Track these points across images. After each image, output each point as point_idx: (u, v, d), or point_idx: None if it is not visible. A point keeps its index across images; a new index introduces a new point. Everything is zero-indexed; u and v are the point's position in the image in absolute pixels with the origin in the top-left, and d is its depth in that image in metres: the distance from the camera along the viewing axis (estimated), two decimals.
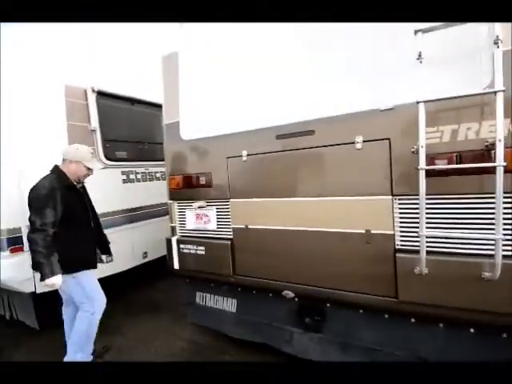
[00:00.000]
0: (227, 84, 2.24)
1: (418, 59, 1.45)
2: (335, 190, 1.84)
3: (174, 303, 3.39)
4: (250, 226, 2.20)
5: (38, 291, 2.77)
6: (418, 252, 1.57)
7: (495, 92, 1.29)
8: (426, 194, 1.50)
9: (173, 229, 2.64)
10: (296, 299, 2.13)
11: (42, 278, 2.02)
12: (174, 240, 2.58)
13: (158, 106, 2.79)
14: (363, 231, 1.77)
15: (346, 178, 1.81)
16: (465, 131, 1.45)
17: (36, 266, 2.05)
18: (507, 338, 1.53)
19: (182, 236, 2.57)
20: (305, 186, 1.95)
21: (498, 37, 1.31)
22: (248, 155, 2.14)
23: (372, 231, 1.74)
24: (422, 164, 1.45)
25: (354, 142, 1.74)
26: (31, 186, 2.15)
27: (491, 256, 1.39)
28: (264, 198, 2.12)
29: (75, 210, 2.26)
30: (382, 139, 1.67)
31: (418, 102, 1.44)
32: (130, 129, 3.96)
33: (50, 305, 2.87)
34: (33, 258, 2.05)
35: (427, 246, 1.53)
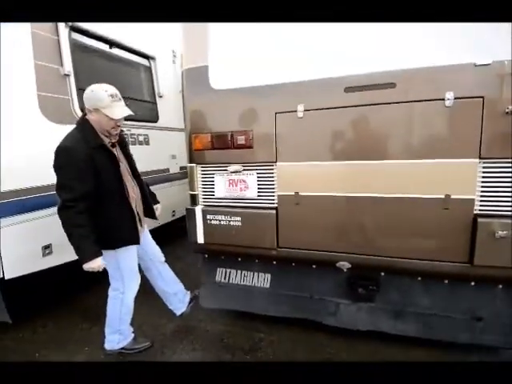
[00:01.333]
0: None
1: None
2: (415, 151, 1.69)
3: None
4: (301, 193, 1.95)
5: (6, 277, 2.17)
6: (500, 217, 1.56)
7: None
8: None
9: (194, 197, 2.24)
10: (345, 270, 2.01)
11: (80, 262, 1.70)
12: (197, 210, 2.19)
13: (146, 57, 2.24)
14: (442, 196, 1.68)
15: (429, 139, 1.67)
16: None
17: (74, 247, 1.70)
18: None
19: (209, 206, 2.20)
20: (378, 148, 1.76)
21: None
22: (305, 110, 1.85)
23: (452, 196, 1.66)
24: None
25: (443, 99, 1.59)
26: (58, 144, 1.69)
27: None
28: (323, 162, 1.87)
29: (109, 177, 1.78)
30: (476, 97, 1.55)
31: None
32: (111, 78, 3.22)
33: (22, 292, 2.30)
34: (68, 238, 1.68)
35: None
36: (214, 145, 2.08)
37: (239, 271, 2.37)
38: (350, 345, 2.11)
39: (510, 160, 1.53)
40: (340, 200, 1.87)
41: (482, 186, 1.62)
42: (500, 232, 1.56)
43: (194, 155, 2.18)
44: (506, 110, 1.50)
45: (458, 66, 1.56)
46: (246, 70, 1.96)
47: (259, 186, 2.05)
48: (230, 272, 2.40)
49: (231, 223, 2.12)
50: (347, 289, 2.08)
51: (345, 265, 1.94)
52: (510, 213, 1.57)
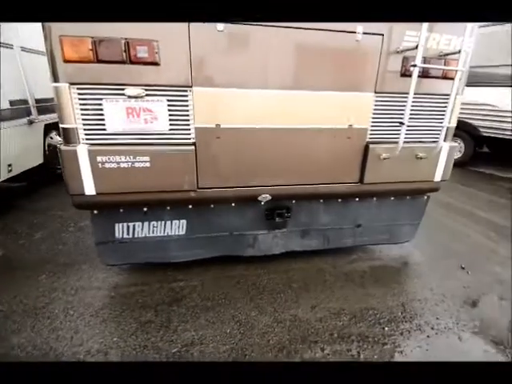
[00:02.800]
0: None
1: None
2: (328, 83, 1.78)
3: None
4: (223, 126, 1.74)
5: None
6: (385, 142, 1.96)
7: None
8: (399, 93, 1.82)
9: (69, 132, 1.61)
10: (262, 203, 2.07)
11: None
12: (80, 151, 1.61)
13: None
14: (346, 126, 1.90)
15: (340, 71, 1.78)
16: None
17: None
18: (411, 199, 2.33)
19: (100, 144, 1.64)
20: (299, 77, 1.74)
21: None
22: (228, 24, 1.55)
23: (354, 126, 1.91)
24: (418, 62, 1.69)
25: (355, 32, 1.69)
26: None
27: (431, 142, 1.99)
28: (246, 89, 1.70)
29: None
30: (378, 34, 1.73)
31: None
32: None
33: None
34: None
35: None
36: (99, 56, 1.48)
37: (146, 223, 2.01)
38: (267, 268, 2.31)
39: (395, 95, 1.87)
40: (262, 132, 1.80)
41: (373, 118, 1.94)
42: (384, 155, 1.97)
43: (62, 69, 1.49)
44: (397, 50, 1.77)
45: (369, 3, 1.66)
46: None
47: (171, 117, 1.68)
48: (133, 225, 2.01)
49: (136, 165, 1.69)
50: (264, 220, 2.17)
51: (266, 197, 1.98)
52: (390, 139, 1.98)
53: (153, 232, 2.05)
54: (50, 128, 4.02)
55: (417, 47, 1.68)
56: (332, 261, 2.45)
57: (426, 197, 2.38)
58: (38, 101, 3.67)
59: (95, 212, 1.92)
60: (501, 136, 4.97)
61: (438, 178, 2.17)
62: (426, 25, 1.64)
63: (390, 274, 2.32)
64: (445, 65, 1.82)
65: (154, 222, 2.03)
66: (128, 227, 2.01)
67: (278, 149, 1.87)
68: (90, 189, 1.69)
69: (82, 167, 1.64)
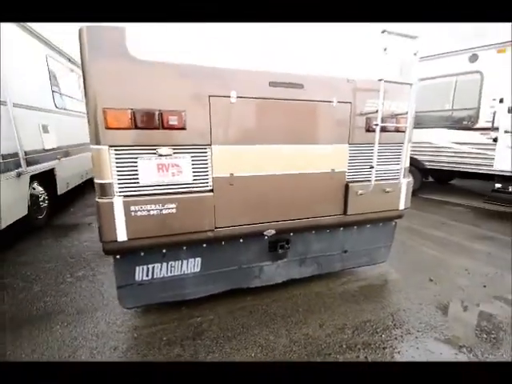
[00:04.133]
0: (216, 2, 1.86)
1: (384, 50, 2.20)
2: (315, 138, 2.29)
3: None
4: (235, 174, 2.11)
5: None
6: (360, 181, 2.47)
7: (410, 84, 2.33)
8: (366, 143, 2.39)
9: (105, 187, 1.85)
10: (266, 237, 2.40)
11: None
12: (116, 202, 1.84)
13: None
14: (329, 170, 2.39)
15: (323, 129, 2.30)
16: (389, 106, 2.42)
17: None
18: (383, 225, 2.83)
19: (133, 195, 1.89)
20: (293, 134, 2.21)
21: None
22: (238, 97, 2.00)
23: (335, 170, 2.40)
24: (379, 121, 2.27)
25: (332, 101, 2.25)
26: None
27: (394, 179, 2.55)
28: (253, 145, 2.12)
29: None
30: (347, 102, 2.31)
31: (379, 80, 2.22)
32: None
33: None
34: None
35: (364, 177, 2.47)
36: (138, 124, 1.81)
37: (165, 264, 2.20)
38: (272, 296, 2.56)
39: (363, 145, 2.42)
40: (266, 178, 2.20)
41: (349, 163, 2.46)
42: (360, 191, 2.46)
43: (104, 135, 1.78)
44: (361, 113, 2.36)
45: (341, 79, 2.25)
46: (174, 42, 1.82)
47: (194, 170, 2.01)
48: (153, 267, 2.18)
49: (163, 211, 1.95)
50: (268, 252, 2.48)
51: (271, 232, 2.32)
52: (364, 179, 2.49)
53: (171, 272, 2.24)
54: (32, 179, 4.04)
55: (377, 111, 2.28)
56: (326, 284, 2.78)
57: (394, 223, 2.90)
58: (26, 153, 3.75)
59: (118, 257, 2.08)
60: (439, 167, 6.01)
61: (401, 206, 2.71)
62: (382, 95, 2.25)
63: (376, 291, 2.70)
64: (396, 123, 2.45)
65: (172, 262, 2.23)
66: (148, 269, 2.17)
67: (280, 190, 2.26)
68: (122, 235, 1.89)
69: (116, 216, 1.86)
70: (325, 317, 2.30)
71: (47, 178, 4.58)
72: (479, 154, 5.28)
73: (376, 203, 2.58)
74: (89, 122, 1.81)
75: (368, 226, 2.78)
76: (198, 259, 2.29)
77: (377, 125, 2.29)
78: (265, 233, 2.31)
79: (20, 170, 3.58)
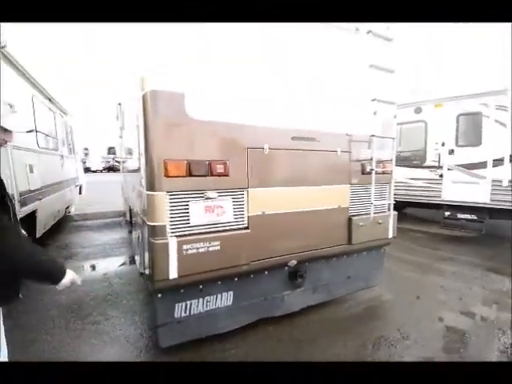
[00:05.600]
0: (252, 75, 2.30)
1: (374, 114, 2.82)
2: (325, 180, 2.74)
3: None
4: (266, 212, 2.43)
5: None
6: (359, 215, 2.95)
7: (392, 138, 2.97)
8: (362, 184, 2.93)
9: (160, 228, 2.04)
10: (286, 268, 2.70)
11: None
12: (171, 242, 2.02)
13: None
14: (336, 206, 2.84)
15: (331, 173, 2.77)
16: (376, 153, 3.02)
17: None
18: (375, 252, 3.30)
19: (185, 235, 2.09)
20: (309, 178, 2.64)
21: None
22: (270, 149, 2.40)
23: (341, 206, 2.86)
24: (374, 167, 2.83)
25: (336, 151, 2.77)
26: None
27: (384, 212, 3.09)
28: (280, 187, 2.49)
29: None
30: (346, 151, 2.85)
31: (371, 136, 2.81)
32: None
33: None
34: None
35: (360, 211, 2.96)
36: (192, 172, 2.08)
37: (201, 299, 2.34)
38: (292, 323, 2.78)
39: (359, 185, 2.94)
40: (289, 215, 2.55)
41: (350, 200, 2.95)
42: (361, 223, 2.93)
43: (162, 182, 2.01)
44: (358, 159, 2.91)
45: (342, 134, 2.80)
46: (225, 106, 2.19)
47: (234, 210, 2.29)
48: (190, 303, 2.31)
49: (210, 249, 2.16)
50: (288, 282, 2.75)
51: (293, 262, 2.62)
52: (362, 212, 2.98)
53: (206, 306, 2.37)
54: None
55: (371, 159, 2.85)
56: (334, 309, 3.10)
57: (383, 249, 3.40)
58: (20, 194, 3.62)
59: (159, 295, 2.18)
60: (398, 199, 6.95)
61: (390, 235, 3.24)
62: (374, 147, 2.83)
63: (377, 311, 3.09)
64: (384, 167, 3.04)
65: (208, 297, 2.37)
66: (186, 306, 2.29)
67: (300, 225, 2.62)
68: (173, 273, 2.04)
69: (170, 256, 2.02)
70: (345, 337, 2.59)
71: (28, 221, 4.33)
72: (429, 187, 6.32)
73: (372, 233, 3.07)
74: (147, 171, 2.03)
75: (365, 253, 3.23)
76: (231, 292, 2.47)
77: (372, 169, 2.85)
78: (289, 263, 2.60)
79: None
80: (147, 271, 2.17)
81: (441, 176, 6.05)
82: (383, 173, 3.07)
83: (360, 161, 2.92)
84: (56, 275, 1.41)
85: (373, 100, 2.84)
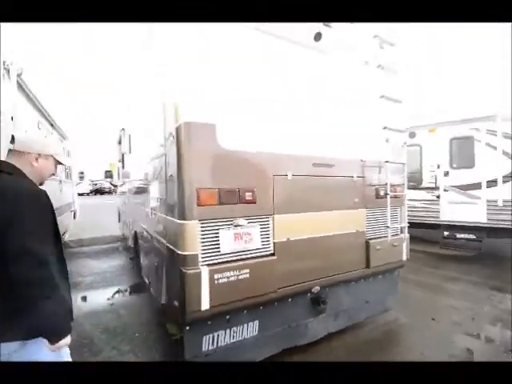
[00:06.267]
0: (276, 106, 2.40)
1: (386, 141, 2.96)
2: (344, 205, 2.80)
3: None
4: (291, 239, 2.45)
5: None
6: (375, 238, 3.00)
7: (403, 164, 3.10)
8: (377, 207, 3.01)
9: (191, 258, 2.02)
10: (308, 294, 2.68)
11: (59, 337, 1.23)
12: (204, 271, 2.00)
13: None
14: (355, 231, 2.88)
15: (349, 198, 2.85)
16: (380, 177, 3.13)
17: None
18: (390, 275, 3.33)
19: (216, 263, 2.07)
20: (329, 203, 2.70)
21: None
22: (293, 175, 2.46)
23: (358, 230, 2.91)
24: (389, 191, 2.93)
25: (352, 176, 2.86)
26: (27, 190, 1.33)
27: (398, 235, 3.15)
28: (302, 213, 2.53)
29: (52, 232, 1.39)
30: (360, 177, 2.95)
31: (385, 161, 2.93)
32: None
33: None
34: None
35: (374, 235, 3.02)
36: (222, 200, 2.10)
37: (228, 330, 2.28)
38: (316, 350, 2.72)
39: (374, 209, 3.02)
40: (312, 240, 2.58)
41: (366, 224, 3.01)
42: (378, 247, 2.98)
43: (195, 211, 2.02)
44: (372, 183, 3.00)
45: (357, 160, 2.90)
46: (253, 136, 2.27)
47: (261, 237, 2.29)
48: (218, 335, 2.24)
49: (240, 277, 2.14)
50: (311, 309, 2.72)
51: (317, 288, 2.61)
52: (378, 236, 3.04)
53: (233, 338, 2.30)
54: None
55: (386, 184, 2.95)
56: (355, 335, 3.06)
57: (397, 272, 3.43)
58: None
59: (187, 328, 2.11)
60: (411, 221, 7.10)
61: (404, 257, 3.29)
62: (388, 172, 2.95)
63: (398, 335, 3.07)
64: (396, 191, 3.15)
65: (235, 328, 2.31)
66: (213, 337, 2.22)
67: (321, 250, 2.64)
68: (205, 304, 2.00)
69: (202, 286, 1.99)
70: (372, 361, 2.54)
71: None
72: (427, 207, 6.50)
73: (388, 256, 3.11)
74: (179, 199, 2.04)
75: (380, 276, 3.25)
76: (256, 322, 2.41)
77: (387, 193, 2.95)
78: (312, 289, 2.59)
79: None
80: (175, 302, 2.11)
81: (438, 197, 6.26)
82: (395, 196, 3.17)
83: (374, 185, 3.02)
84: (62, 331, 1.24)
85: (384, 128, 2.99)
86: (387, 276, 3.30)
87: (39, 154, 1.46)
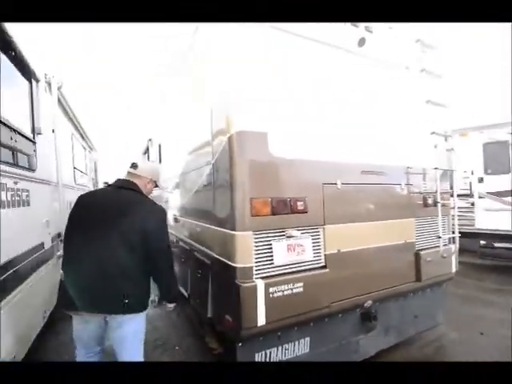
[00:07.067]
0: (322, 112, 2.33)
1: (435, 147, 2.83)
2: (394, 214, 2.67)
3: None
4: (342, 250, 2.33)
5: None
6: (425, 249, 2.84)
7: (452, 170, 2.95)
8: (425, 217, 2.85)
9: (246, 271, 1.94)
10: (358, 309, 2.53)
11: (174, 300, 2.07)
12: (259, 285, 1.91)
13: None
14: (404, 241, 2.74)
15: (398, 207, 2.71)
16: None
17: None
18: (437, 288, 3.13)
19: (271, 276, 1.98)
20: (378, 212, 2.57)
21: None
22: (342, 184, 2.36)
23: (408, 241, 2.76)
24: (439, 199, 2.78)
25: (400, 184, 2.73)
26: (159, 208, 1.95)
27: (447, 246, 2.97)
28: (352, 223, 2.41)
29: None
30: (410, 184, 2.82)
31: (434, 168, 2.79)
32: None
33: None
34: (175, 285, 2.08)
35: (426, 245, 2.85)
36: (275, 210, 2.03)
37: (280, 347, 2.17)
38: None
39: (422, 218, 2.87)
40: (363, 252, 2.45)
41: (416, 234, 2.85)
42: (428, 258, 2.81)
43: (249, 222, 1.95)
44: (419, 191, 2.86)
45: (404, 167, 2.78)
46: (303, 144, 2.20)
47: (313, 248, 2.19)
48: (270, 352, 2.13)
49: (294, 291, 2.04)
50: (361, 325, 2.57)
51: (370, 303, 2.47)
52: (427, 246, 2.87)
53: (284, 355, 2.19)
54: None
55: (436, 191, 2.81)
56: (406, 351, 2.89)
57: (445, 285, 3.23)
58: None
59: (239, 345, 2.02)
60: None
61: (453, 269, 3.10)
62: (438, 179, 2.80)
63: (450, 351, 2.87)
64: (445, 199, 2.99)
65: (286, 345, 2.20)
66: (265, 355, 2.11)
67: (373, 262, 2.50)
68: (262, 319, 1.90)
69: (258, 300, 1.90)
70: None
71: None
72: (462, 215, 6.21)
73: (438, 268, 2.93)
74: (231, 210, 1.98)
75: (429, 289, 3.07)
76: (307, 339, 2.29)
77: (437, 202, 2.80)
78: (365, 304, 2.45)
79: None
80: (227, 317, 2.02)
81: (472, 204, 5.98)
82: (443, 205, 3.01)
83: (422, 193, 2.88)
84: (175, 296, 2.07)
85: (432, 133, 2.87)
86: (435, 289, 3.11)
87: (151, 179, 2.08)
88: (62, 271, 1.76)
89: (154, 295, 2.04)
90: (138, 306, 1.77)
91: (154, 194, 2.65)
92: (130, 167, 2.02)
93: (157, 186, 2.16)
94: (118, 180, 1.99)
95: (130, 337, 1.80)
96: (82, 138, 6.11)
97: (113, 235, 1.67)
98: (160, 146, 4.79)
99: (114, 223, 1.70)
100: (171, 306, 2.06)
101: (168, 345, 3.04)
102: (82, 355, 1.88)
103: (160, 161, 4.81)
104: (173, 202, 3.98)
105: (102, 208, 1.77)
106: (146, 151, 6.42)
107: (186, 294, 3.14)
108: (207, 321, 2.51)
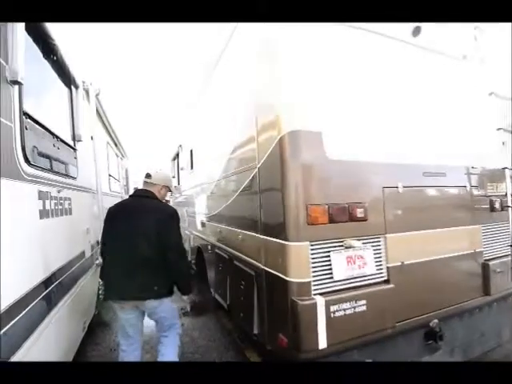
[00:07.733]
0: (385, 111, 2.10)
1: (502, 144, 2.50)
2: (459, 221, 2.36)
3: None
4: (405, 262, 2.07)
5: None
6: (494, 259, 2.49)
7: None
8: (492, 223, 2.51)
9: (304, 286, 1.73)
10: (421, 329, 2.24)
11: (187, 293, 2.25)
12: (319, 303, 1.70)
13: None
14: (472, 251, 2.41)
15: (464, 212, 2.41)
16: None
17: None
18: (503, 301, 2.75)
19: (329, 292, 1.77)
20: (443, 218, 2.28)
21: None
22: (404, 187, 2.11)
23: (475, 250, 2.44)
24: (510, 203, 2.44)
25: (465, 186, 2.42)
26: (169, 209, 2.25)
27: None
28: (416, 231, 2.15)
29: None
30: (475, 186, 2.50)
31: (504, 168, 2.46)
32: None
33: None
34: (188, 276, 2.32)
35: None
36: (331, 218, 1.82)
37: None
38: None
39: (489, 224, 2.52)
40: (428, 264, 2.16)
41: (483, 242, 2.51)
42: (498, 269, 2.47)
43: (305, 231, 1.75)
44: (485, 194, 2.53)
45: (469, 167, 2.46)
46: (359, 144, 1.98)
47: (375, 261, 1.96)
48: None
49: (356, 309, 1.81)
50: (424, 346, 2.27)
51: (436, 321, 2.18)
52: (495, 257, 2.53)
53: None
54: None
55: (506, 195, 2.47)
56: None
57: (511, 299, 2.84)
58: None
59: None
60: None
61: None
62: (508, 180, 2.46)
63: None
64: None
65: None
66: None
67: (439, 275, 2.21)
68: (323, 342, 1.69)
69: (319, 319, 1.69)
70: None
71: None
72: None
73: (507, 280, 2.57)
74: (284, 218, 1.79)
75: (495, 304, 2.70)
76: (369, 362, 2.04)
77: (508, 206, 2.45)
78: (430, 323, 2.16)
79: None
80: (281, 336, 1.83)
81: None
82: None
83: (488, 196, 2.55)
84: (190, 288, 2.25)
85: (498, 129, 2.54)
86: (501, 303, 2.74)
87: (164, 185, 2.35)
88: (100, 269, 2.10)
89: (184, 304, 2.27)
90: (165, 291, 2.10)
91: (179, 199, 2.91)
92: (145, 177, 2.31)
93: (170, 190, 2.45)
94: (137, 190, 2.41)
95: (167, 315, 2.19)
96: (115, 145, 6.22)
97: (137, 235, 2.01)
98: (192, 151, 4.73)
99: (137, 225, 2.04)
100: (185, 297, 2.25)
101: (207, 358, 2.89)
102: (123, 346, 2.18)
103: (192, 167, 4.74)
104: (202, 206, 3.87)
105: (128, 214, 2.12)
106: (176, 157, 6.42)
107: (225, 306, 2.98)
108: (252, 336, 2.33)
